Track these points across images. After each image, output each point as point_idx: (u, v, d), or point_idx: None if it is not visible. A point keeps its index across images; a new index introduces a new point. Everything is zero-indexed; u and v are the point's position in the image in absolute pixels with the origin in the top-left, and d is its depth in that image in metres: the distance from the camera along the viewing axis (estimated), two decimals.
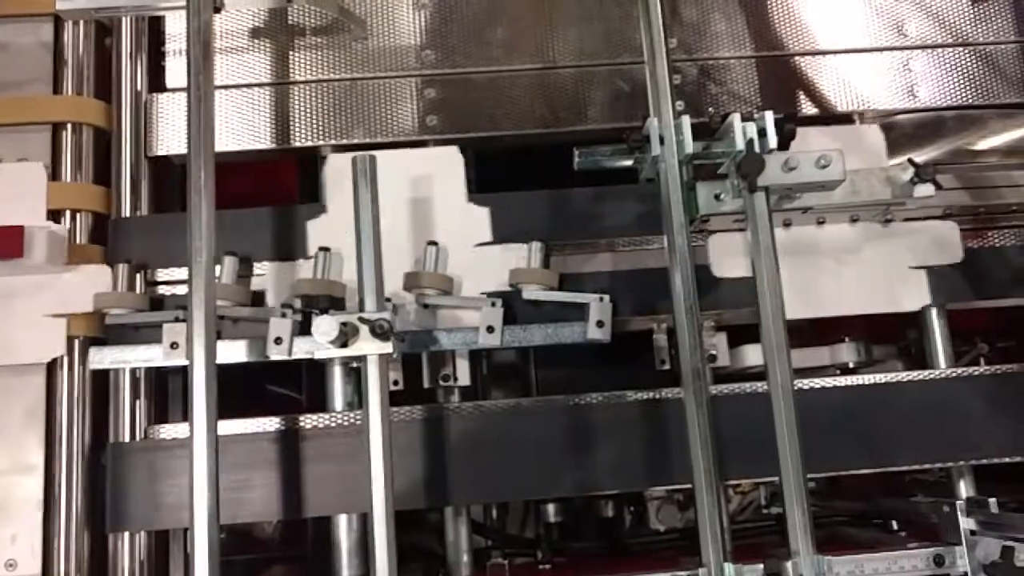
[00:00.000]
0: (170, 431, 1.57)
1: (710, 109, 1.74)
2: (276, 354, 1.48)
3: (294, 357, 1.49)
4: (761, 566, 1.34)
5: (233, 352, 1.51)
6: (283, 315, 1.49)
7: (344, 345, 1.34)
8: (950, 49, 1.81)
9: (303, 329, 1.48)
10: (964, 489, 1.62)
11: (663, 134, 1.43)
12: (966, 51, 1.81)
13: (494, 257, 1.61)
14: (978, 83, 1.79)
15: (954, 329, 1.70)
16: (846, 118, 1.80)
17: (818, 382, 1.61)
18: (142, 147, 1.69)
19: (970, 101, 1.79)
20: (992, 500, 1.48)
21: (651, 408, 1.58)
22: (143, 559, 1.55)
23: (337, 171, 1.65)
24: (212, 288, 1.36)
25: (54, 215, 1.61)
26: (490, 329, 1.53)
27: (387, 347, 1.35)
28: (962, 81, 1.80)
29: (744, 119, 1.41)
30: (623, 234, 1.65)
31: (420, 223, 1.64)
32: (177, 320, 1.51)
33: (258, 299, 1.59)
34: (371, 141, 1.71)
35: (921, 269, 1.66)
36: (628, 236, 1.65)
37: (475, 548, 1.72)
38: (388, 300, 1.43)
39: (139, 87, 1.72)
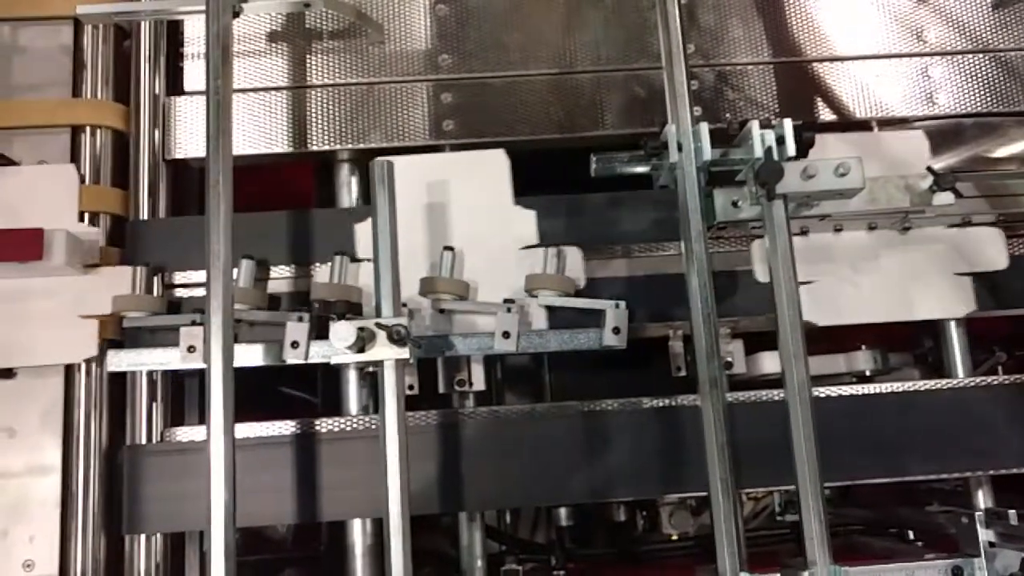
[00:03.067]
0: (186, 434, 1.58)
1: (727, 115, 1.73)
2: (293, 358, 1.48)
3: (310, 361, 1.49)
4: (777, 575, 1.33)
5: (250, 356, 1.51)
6: (299, 319, 1.50)
7: (361, 350, 1.34)
8: (970, 56, 1.80)
9: (320, 333, 1.48)
10: (982, 500, 1.61)
11: (681, 141, 1.43)
12: (986, 58, 1.80)
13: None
14: (998, 90, 1.78)
15: (972, 337, 1.69)
16: (864, 125, 1.79)
17: (834, 390, 1.61)
18: (160, 150, 1.70)
19: (990, 108, 1.78)
20: (1012, 512, 1.47)
21: (666, 415, 1.58)
22: (159, 561, 1.56)
23: None
24: (229, 291, 1.36)
25: None
26: (506, 335, 1.53)
27: (404, 352, 1.35)
28: (982, 88, 1.79)
29: (762, 126, 1.40)
30: (640, 240, 1.65)
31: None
32: (194, 323, 1.51)
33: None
34: (387, 145, 1.72)
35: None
36: (645, 242, 1.64)
37: (489, 553, 1.72)
38: (404, 305, 1.44)
39: (157, 90, 1.73)
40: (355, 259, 1.59)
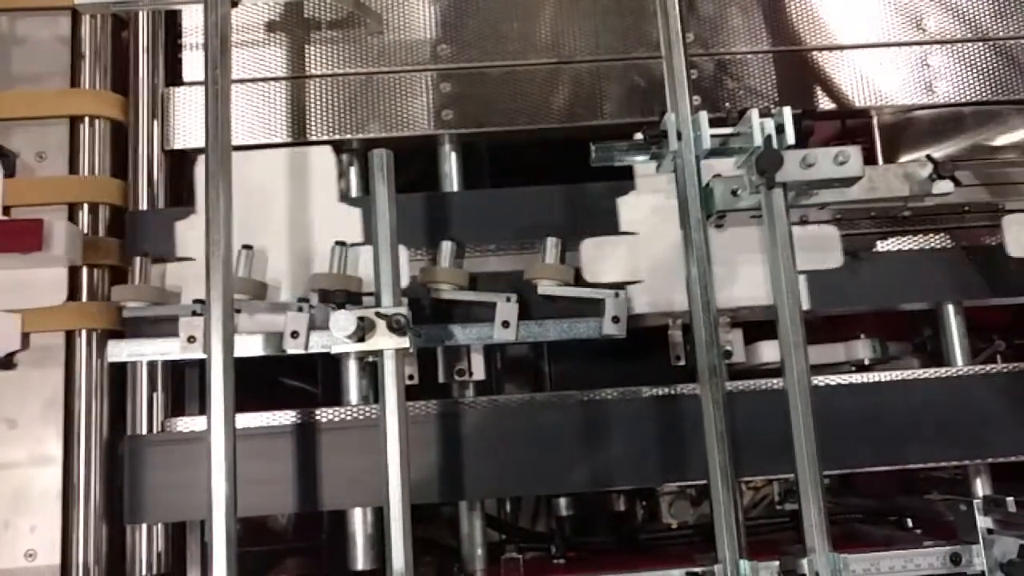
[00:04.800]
0: (187, 424, 1.58)
1: (727, 104, 1.73)
2: (293, 348, 1.49)
3: (311, 351, 1.49)
4: (776, 563, 1.34)
5: (250, 346, 1.51)
6: (299, 309, 1.50)
7: (361, 340, 1.34)
8: (969, 44, 1.80)
9: (319, 323, 1.48)
10: (981, 487, 1.62)
11: (680, 129, 1.43)
12: (985, 46, 1.80)
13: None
14: (997, 78, 1.78)
15: (971, 326, 1.70)
16: (863, 113, 1.79)
17: (834, 379, 1.61)
18: (159, 141, 1.70)
19: (989, 97, 1.77)
20: (1010, 499, 1.47)
21: (666, 404, 1.58)
22: (160, 550, 1.56)
23: None
24: (229, 281, 1.36)
25: (72, 209, 1.62)
26: (505, 324, 1.53)
27: (404, 342, 1.35)
28: (981, 76, 1.78)
29: (762, 114, 1.40)
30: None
31: None
32: (194, 314, 1.51)
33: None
34: (386, 135, 1.71)
35: None
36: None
37: (489, 542, 1.72)
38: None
39: (156, 81, 1.73)
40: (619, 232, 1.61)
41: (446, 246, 1.57)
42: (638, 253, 1.61)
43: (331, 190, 1.65)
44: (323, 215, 1.63)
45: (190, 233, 1.61)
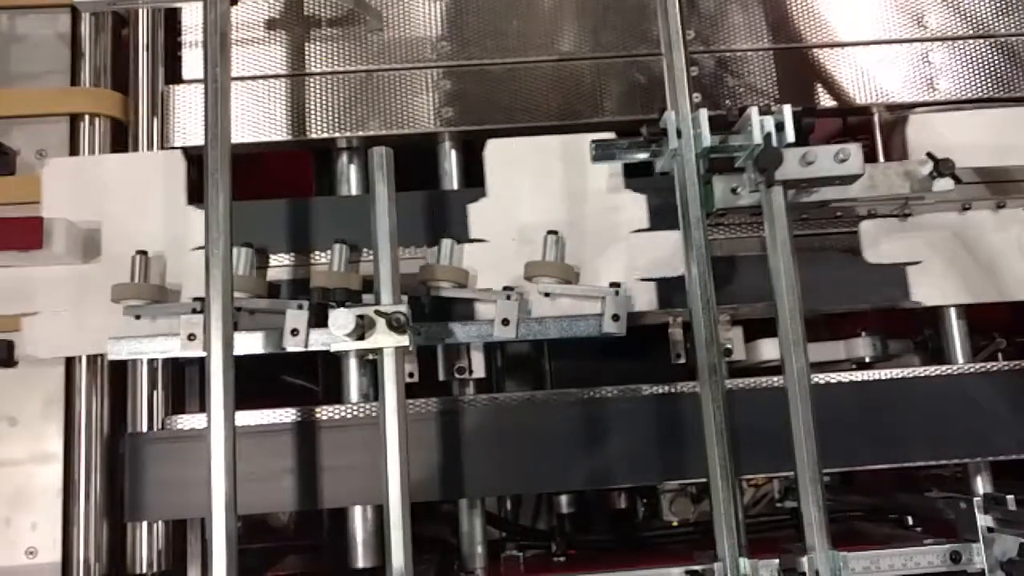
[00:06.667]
0: (187, 421, 1.58)
1: (727, 102, 1.73)
2: (292, 346, 1.49)
3: (310, 349, 1.49)
4: (776, 561, 1.34)
5: (250, 343, 1.51)
6: (299, 307, 1.50)
7: (361, 338, 1.34)
8: (971, 41, 1.79)
9: (319, 321, 1.48)
10: (981, 485, 1.62)
11: (680, 127, 1.43)
12: (987, 43, 1.79)
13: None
14: (1000, 76, 1.77)
15: (972, 324, 1.69)
16: (864, 111, 1.79)
17: (834, 377, 1.61)
18: (159, 139, 1.70)
19: (991, 94, 1.77)
20: (1010, 497, 1.47)
21: (666, 402, 1.58)
22: (161, 548, 1.57)
23: None
24: (229, 279, 1.36)
25: None
26: (505, 322, 1.53)
27: (403, 340, 1.35)
28: (983, 74, 1.78)
29: (762, 112, 1.40)
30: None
31: None
32: (194, 311, 1.51)
33: None
34: (386, 133, 1.71)
35: None
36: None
37: (489, 540, 1.72)
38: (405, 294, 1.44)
39: (156, 79, 1.73)
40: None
41: (446, 244, 1.57)
42: None
43: (603, 176, 1.65)
44: (598, 200, 1.65)
45: (483, 216, 1.63)
